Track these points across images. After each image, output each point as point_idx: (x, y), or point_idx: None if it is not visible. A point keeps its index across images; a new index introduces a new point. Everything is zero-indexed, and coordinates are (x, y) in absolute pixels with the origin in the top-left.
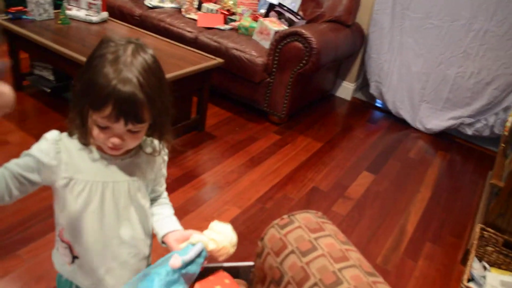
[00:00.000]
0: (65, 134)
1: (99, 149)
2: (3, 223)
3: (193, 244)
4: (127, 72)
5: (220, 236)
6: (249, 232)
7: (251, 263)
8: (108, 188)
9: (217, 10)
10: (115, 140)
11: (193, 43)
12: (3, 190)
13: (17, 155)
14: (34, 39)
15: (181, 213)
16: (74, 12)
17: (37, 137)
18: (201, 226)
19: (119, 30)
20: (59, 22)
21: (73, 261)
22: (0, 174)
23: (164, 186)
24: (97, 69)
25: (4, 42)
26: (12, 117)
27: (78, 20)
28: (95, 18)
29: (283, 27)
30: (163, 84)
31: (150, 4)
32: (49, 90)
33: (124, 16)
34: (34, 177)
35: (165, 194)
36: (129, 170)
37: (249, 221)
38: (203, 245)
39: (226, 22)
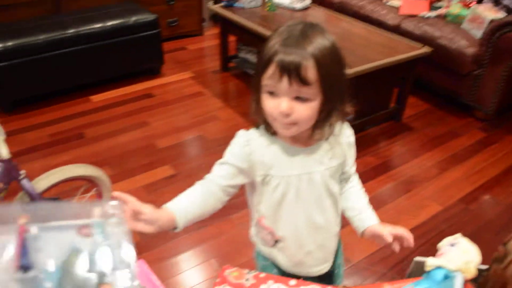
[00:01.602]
0: (252, 131)
1: (287, 141)
2: None
3: (437, 268)
4: (294, 38)
5: (466, 256)
6: (450, 232)
7: (484, 266)
8: (303, 180)
9: None
10: (283, 105)
11: (395, 30)
12: (217, 202)
13: (226, 130)
14: (242, 24)
15: (376, 202)
16: (279, 0)
17: (241, 115)
18: (398, 220)
19: (321, 15)
20: (266, 9)
21: (274, 245)
22: (210, 191)
23: (354, 167)
24: (267, 41)
25: (213, 25)
26: (219, 95)
27: (283, 8)
28: (298, 5)
29: (500, 15)
30: (335, 63)
31: None
32: (252, 72)
33: (323, 3)
34: (239, 180)
35: (355, 177)
36: (318, 159)
37: (451, 220)
38: (462, 276)
39: (430, 9)
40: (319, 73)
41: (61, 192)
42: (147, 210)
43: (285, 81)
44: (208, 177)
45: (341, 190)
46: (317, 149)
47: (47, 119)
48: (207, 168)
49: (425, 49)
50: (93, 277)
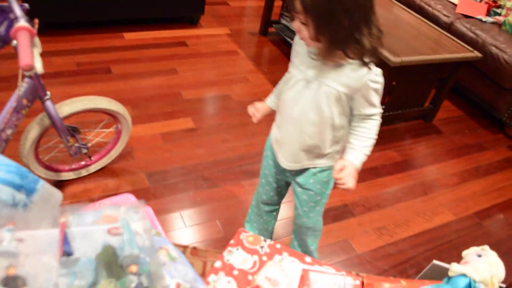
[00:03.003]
0: None
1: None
2: (237, 152)
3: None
4: None
5: (492, 270)
6: (459, 243)
7: (503, 285)
8: (301, 82)
9: None
10: (293, 24)
11: (447, 28)
12: None
13: (254, 93)
14: None
15: (392, 198)
16: None
17: (271, 82)
18: (410, 220)
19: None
20: None
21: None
22: None
23: (371, 111)
24: None
25: None
26: (253, 58)
27: None
28: None
29: None
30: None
31: None
32: (291, 41)
33: None
34: None
35: (373, 122)
36: (327, 75)
37: (461, 231)
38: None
39: (488, 14)
40: (303, 5)
41: (82, 122)
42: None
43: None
44: None
45: (350, 123)
46: (329, 67)
47: (77, 47)
48: (226, 129)
49: (474, 54)
50: (124, 261)
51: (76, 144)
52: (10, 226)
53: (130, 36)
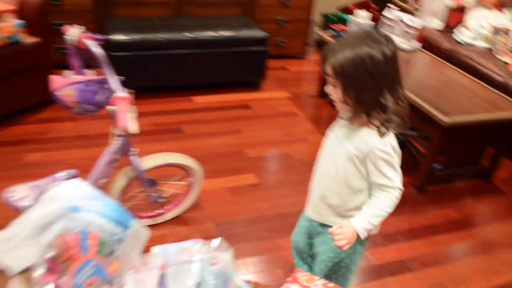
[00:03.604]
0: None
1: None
2: (297, 207)
3: None
4: (332, 48)
5: None
6: None
7: None
8: (331, 144)
9: None
10: (327, 89)
11: (502, 87)
12: None
13: (313, 152)
14: None
15: (450, 256)
16: None
17: None
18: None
19: (425, 60)
20: None
21: None
22: None
23: (381, 181)
24: None
25: (316, 51)
26: (312, 119)
27: None
28: (406, 46)
29: None
30: (352, 67)
31: (461, 40)
32: None
33: (432, 48)
34: None
35: (381, 192)
36: (348, 136)
37: None
38: None
39: None
40: (333, 69)
41: (159, 175)
42: None
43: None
44: None
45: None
46: (354, 129)
47: (153, 110)
48: (287, 185)
49: None
50: None
51: (155, 194)
52: (132, 271)
53: (199, 100)
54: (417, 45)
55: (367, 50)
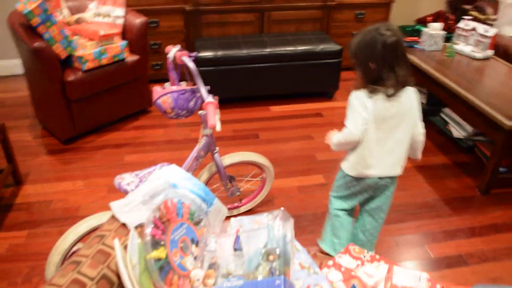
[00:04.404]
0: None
1: None
2: None
3: None
4: (356, 34)
5: None
6: None
7: None
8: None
9: None
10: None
11: None
12: None
13: None
14: (418, 65)
15: (510, 254)
16: (460, 46)
17: None
18: None
19: (500, 69)
20: (445, 54)
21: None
22: None
23: (420, 127)
24: None
25: None
26: None
27: (462, 55)
28: (479, 54)
29: None
30: (359, 49)
31: None
32: None
33: (508, 56)
34: None
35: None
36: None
37: None
38: None
39: None
40: (350, 52)
41: (236, 172)
42: None
43: None
44: None
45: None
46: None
47: (234, 118)
48: None
49: None
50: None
51: (232, 188)
52: (214, 235)
53: (275, 109)
54: (490, 53)
55: (370, 39)
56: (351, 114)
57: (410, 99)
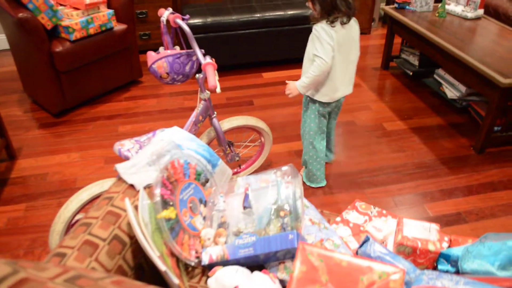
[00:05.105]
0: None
1: None
2: (360, 166)
3: None
4: None
5: None
6: None
7: None
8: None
9: None
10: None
11: None
12: None
13: (375, 118)
14: (410, 26)
15: (508, 210)
16: (451, 7)
17: (392, 110)
18: None
19: (491, 28)
20: (436, 14)
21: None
22: None
23: (314, 52)
24: None
25: (381, 26)
26: (375, 90)
27: (454, 15)
28: (470, 14)
29: None
30: None
31: None
32: (411, 73)
33: (499, 15)
34: None
35: (313, 63)
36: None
37: None
38: None
39: None
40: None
41: (235, 136)
42: None
43: None
44: None
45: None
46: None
47: (226, 86)
48: (351, 148)
49: None
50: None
51: (232, 153)
52: (222, 194)
53: (268, 75)
54: (480, 12)
55: None
56: (320, 46)
57: (355, 26)
